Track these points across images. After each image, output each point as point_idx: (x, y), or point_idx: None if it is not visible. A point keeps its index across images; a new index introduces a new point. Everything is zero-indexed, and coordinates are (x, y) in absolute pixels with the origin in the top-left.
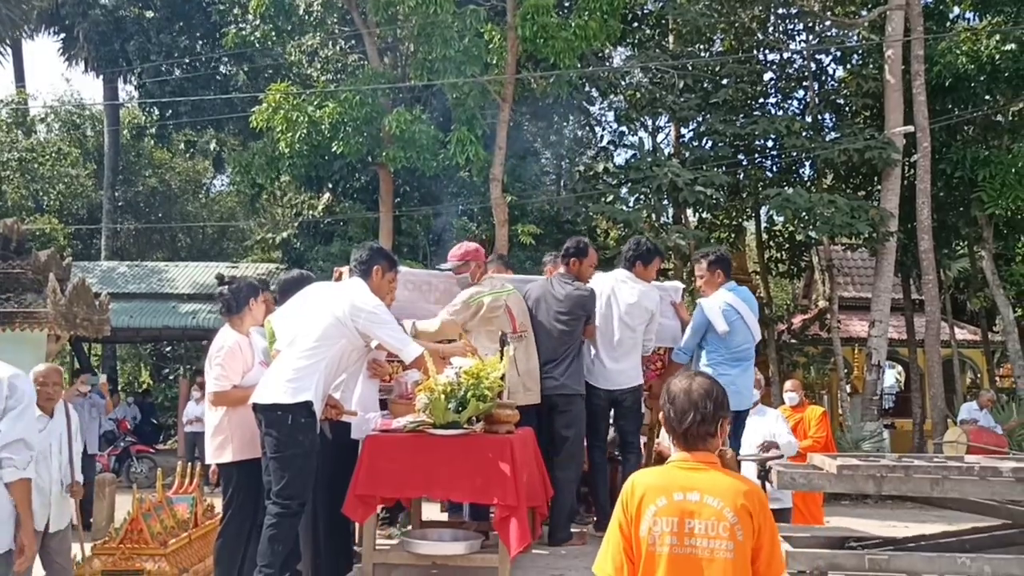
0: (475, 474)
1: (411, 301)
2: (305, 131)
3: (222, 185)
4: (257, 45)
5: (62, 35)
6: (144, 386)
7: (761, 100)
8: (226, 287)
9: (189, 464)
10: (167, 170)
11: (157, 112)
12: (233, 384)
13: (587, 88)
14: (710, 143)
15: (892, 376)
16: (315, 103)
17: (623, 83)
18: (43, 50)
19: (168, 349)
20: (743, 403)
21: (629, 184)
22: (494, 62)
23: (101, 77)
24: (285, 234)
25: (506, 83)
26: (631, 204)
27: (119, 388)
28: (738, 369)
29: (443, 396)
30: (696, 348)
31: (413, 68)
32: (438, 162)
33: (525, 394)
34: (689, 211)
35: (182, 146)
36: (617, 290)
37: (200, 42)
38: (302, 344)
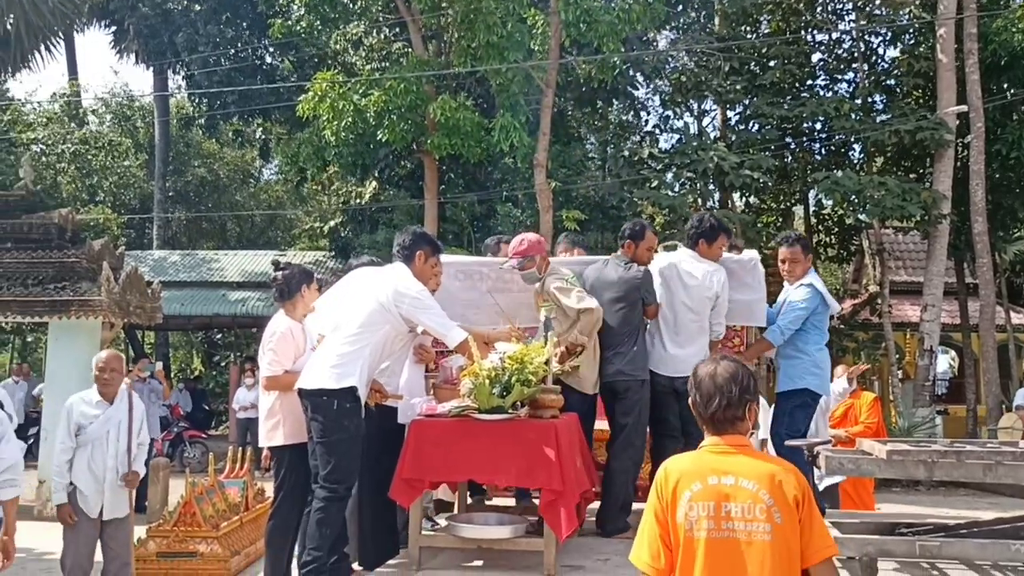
0: (520, 458)
1: (462, 290)
2: (351, 119)
3: (270, 174)
4: (303, 35)
5: (113, 28)
6: (196, 373)
7: (809, 82)
8: (280, 273)
9: (240, 449)
10: (216, 160)
11: (205, 103)
12: (285, 369)
13: (632, 72)
14: (757, 126)
15: (946, 362)
16: (360, 91)
17: (668, 67)
18: (95, 43)
19: (219, 336)
20: (828, 389)
21: (674, 169)
22: (537, 48)
23: (151, 69)
24: (333, 223)
25: (549, 69)
26: (676, 189)
27: (171, 375)
28: (827, 355)
29: (487, 381)
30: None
31: (456, 55)
32: (482, 149)
33: (593, 384)
34: (736, 195)
35: (230, 135)
36: (680, 271)
37: (247, 33)
38: (346, 330)
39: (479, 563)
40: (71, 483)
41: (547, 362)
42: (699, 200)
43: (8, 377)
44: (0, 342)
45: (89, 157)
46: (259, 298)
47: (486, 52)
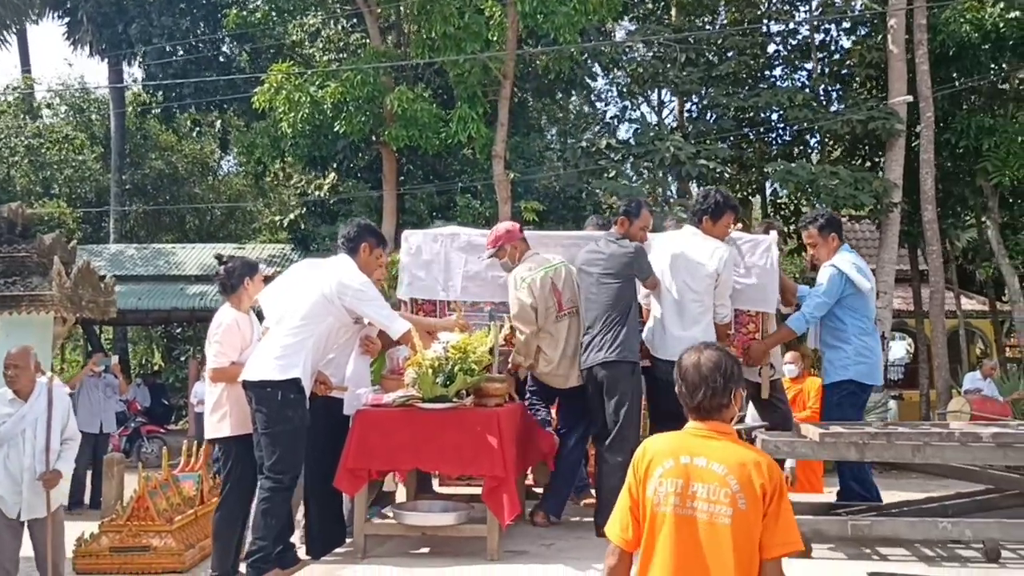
0: (463, 447)
1: (464, 263)
2: (307, 111)
3: (229, 167)
4: (258, 26)
5: (67, 19)
6: (155, 368)
7: (766, 72)
8: (222, 267)
9: (196, 443)
10: (174, 152)
11: (161, 95)
12: (231, 361)
13: (589, 63)
14: (713, 117)
15: (903, 348)
16: (317, 83)
17: (625, 58)
18: (48, 34)
19: (178, 331)
20: (879, 376)
21: (632, 159)
22: (495, 39)
23: (106, 61)
24: (292, 215)
25: (507, 59)
26: (634, 179)
27: (131, 370)
28: (877, 340)
29: (431, 371)
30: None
31: (414, 46)
32: (440, 140)
33: (578, 376)
34: (693, 185)
35: (188, 127)
36: (683, 249)
37: (202, 24)
38: (289, 322)
39: (425, 550)
40: None
41: (491, 351)
42: (657, 189)
43: None
44: None
45: (43, 151)
46: (218, 292)
47: (443, 43)
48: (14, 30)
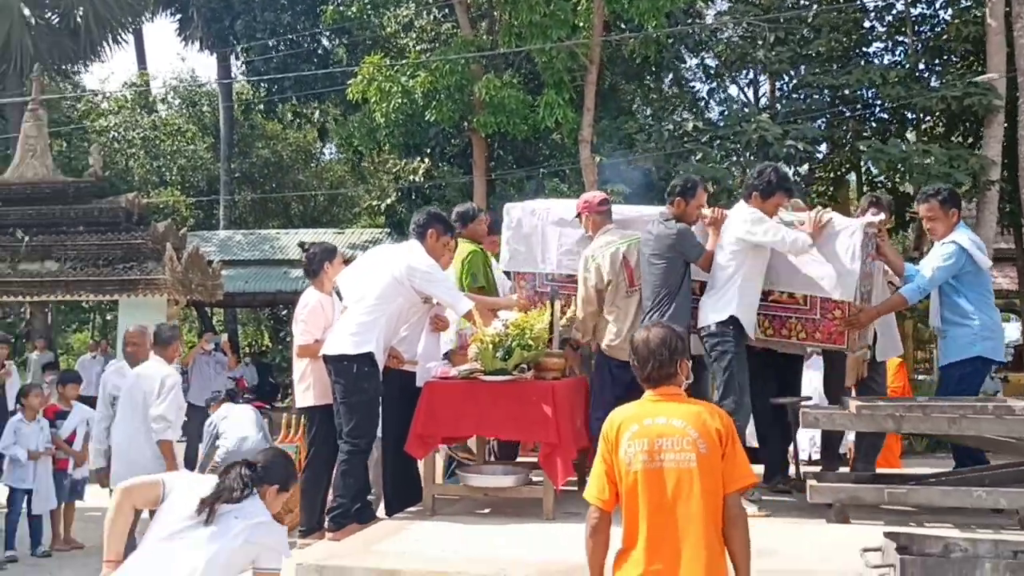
0: (520, 416)
1: (559, 236)
2: (399, 101)
3: (331, 154)
4: (354, 19)
5: (179, 16)
6: (263, 348)
7: (861, 49)
8: (305, 254)
9: (295, 417)
10: (279, 141)
11: (264, 87)
12: (315, 338)
13: (676, 46)
14: (804, 96)
15: (1016, 329)
16: (408, 73)
17: (713, 39)
18: (164, 30)
19: (284, 312)
20: (1003, 353)
21: (718, 141)
22: (582, 24)
23: (215, 55)
24: (389, 200)
25: (592, 45)
26: (721, 161)
27: (240, 350)
28: (999, 317)
29: (491, 346)
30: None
31: (502, 34)
32: (529, 126)
33: None
34: (785, 167)
35: (289, 119)
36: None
37: (302, 19)
38: (364, 302)
39: (487, 510)
40: (108, 448)
41: (550, 327)
42: (744, 172)
43: (87, 353)
44: (81, 320)
45: (158, 142)
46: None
47: (529, 31)
48: (130, 29)
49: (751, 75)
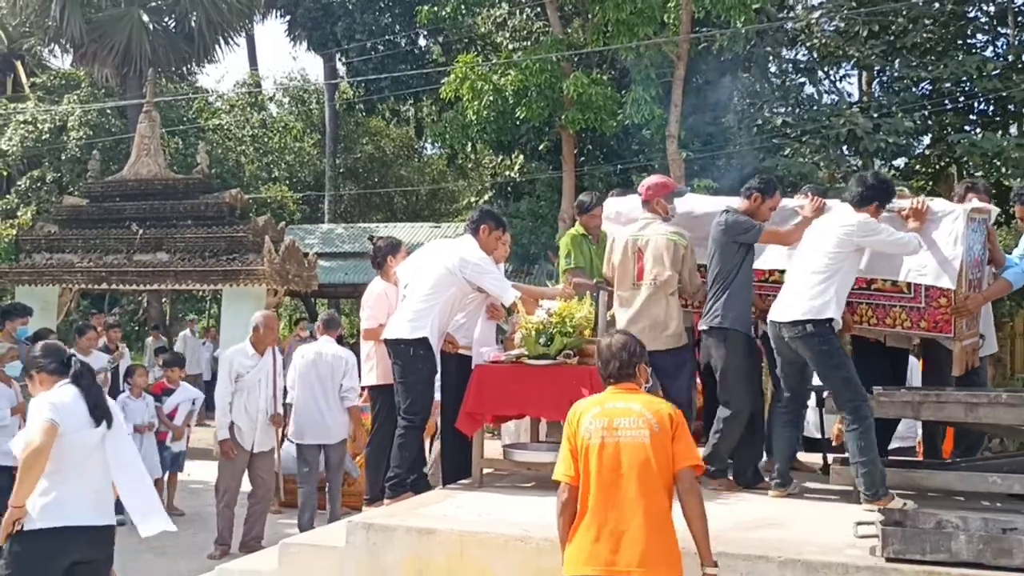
0: (560, 397)
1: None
2: (490, 99)
3: (432, 150)
4: (448, 19)
5: (287, 17)
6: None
7: (961, 41)
8: (372, 247)
9: None
10: (382, 137)
11: (362, 87)
12: (379, 323)
13: (763, 43)
14: (898, 89)
15: None
16: (499, 72)
17: (805, 34)
18: (275, 31)
19: None
20: None
21: (807, 136)
22: (671, 20)
23: (322, 56)
24: (487, 196)
25: (680, 42)
26: (809, 156)
27: (343, 338)
28: None
29: (534, 332)
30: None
31: (590, 33)
32: (617, 122)
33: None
34: (877, 161)
35: (387, 116)
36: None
37: (399, 20)
38: (420, 291)
39: (531, 484)
40: (231, 421)
41: (596, 316)
42: (833, 166)
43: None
44: (198, 310)
45: (266, 140)
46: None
47: (616, 28)
48: (242, 32)
49: (840, 69)
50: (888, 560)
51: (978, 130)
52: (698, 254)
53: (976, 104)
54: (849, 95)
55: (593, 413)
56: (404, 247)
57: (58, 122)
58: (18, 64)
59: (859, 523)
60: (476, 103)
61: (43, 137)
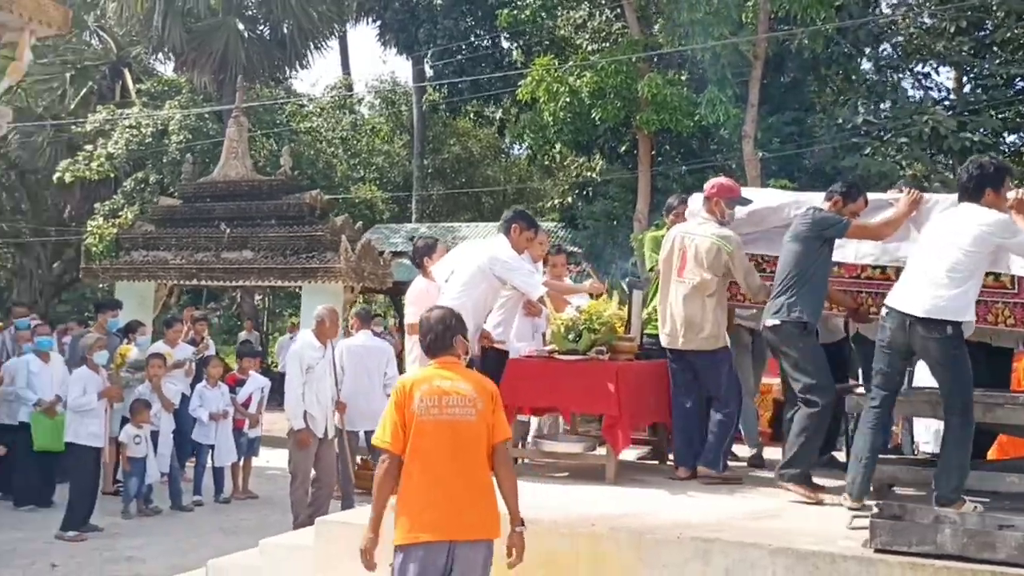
0: (587, 390)
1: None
2: (566, 100)
3: (519, 151)
4: (528, 22)
5: (378, 22)
6: None
7: None
8: (413, 247)
9: None
10: (469, 137)
11: (444, 90)
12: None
13: (846, 40)
14: (988, 87)
15: None
16: (575, 74)
17: (889, 30)
18: (366, 35)
19: None
20: None
21: (889, 135)
22: (748, 20)
23: (410, 58)
24: (570, 198)
25: (758, 42)
26: (890, 155)
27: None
28: None
29: (563, 329)
30: None
31: (664, 34)
32: (693, 123)
33: (683, 341)
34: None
35: (471, 118)
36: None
37: (481, 24)
38: (454, 288)
39: (564, 474)
40: (304, 411)
41: (628, 315)
42: (915, 166)
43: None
44: (296, 306)
45: (355, 141)
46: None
47: (692, 29)
48: (335, 36)
49: (924, 67)
50: (876, 551)
51: None
52: (759, 246)
53: None
54: (933, 90)
55: (423, 390)
56: (442, 246)
57: (160, 126)
58: (126, 71)
59: (854, 516)
60: (552, 104)
61: (146, 141)
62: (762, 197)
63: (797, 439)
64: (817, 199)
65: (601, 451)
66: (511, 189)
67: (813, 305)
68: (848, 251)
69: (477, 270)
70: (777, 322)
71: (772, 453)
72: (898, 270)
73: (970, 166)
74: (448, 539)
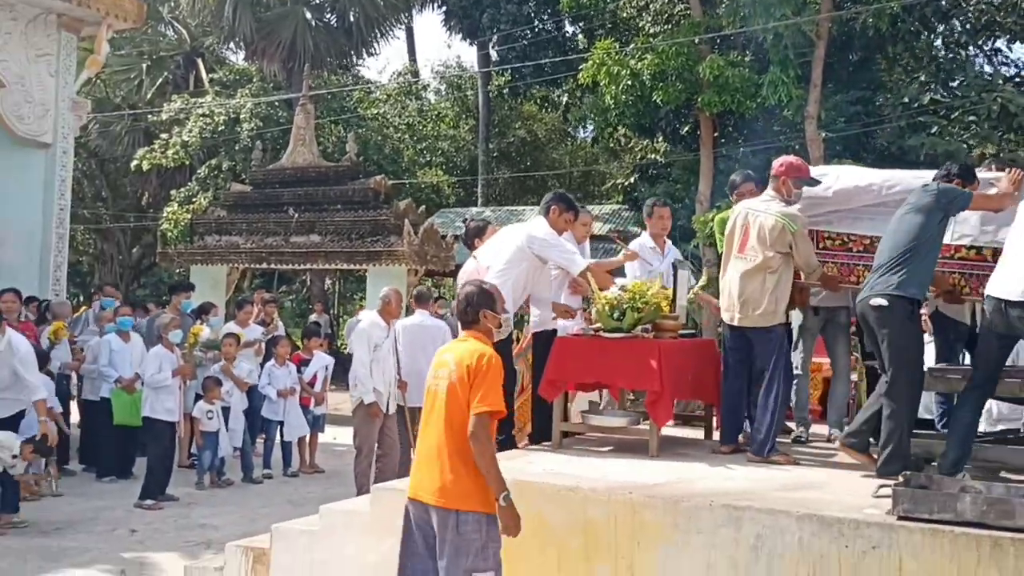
0: (631, 367)
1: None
2: (627, 83)
3: (584, 134)
4: (590, 5)
5: (443, 8)
6: None
7: None
8: (464, 228)
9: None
10: (535, 121)
11: (508, 74)
12: None
13: (912, 17)
14: None
15: None
16: (636, 56)
17: (958, 7)
18: (433, 22)
19: None
20: None
21: (957, 113)
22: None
23: (474, 45)
24: (633, 179)
25: (820, 21)
26: (958, 134)
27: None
28: None
29: (607, 308)
30: None
31: (726, 15)
32: (756, 104)
33: (740, 317)
34: None
35: (536, 102)
36: None
37: (543, 8)
38: (496, 267)
39: (609, 448)
40: (373, 387)
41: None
42: (984, 145)
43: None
44: (365, 289)
45: (422, 127)
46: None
47: (753, 9)
48: (402, 25)
49: (995, 43)
50: (899, 519)
51: None
52: (844, 224)
53: None
54: (1005, 67)
55: (435, 362)
56: (492, 227)
57: (232, 114)
58: (199, 61)
59: (881, 485)
60: (613, 88)
61: (219, 128)
62: (848, 175)
63: (888, 437)
64: (908, 177)
65: (644, 425)
66: (576, 172)
67: (922, 283)
68: (947, 231)
69: (516, 249)
70: (885, 302)
71: (819, 428)
72: (995, 251)
73: None
74: (415, 499)
